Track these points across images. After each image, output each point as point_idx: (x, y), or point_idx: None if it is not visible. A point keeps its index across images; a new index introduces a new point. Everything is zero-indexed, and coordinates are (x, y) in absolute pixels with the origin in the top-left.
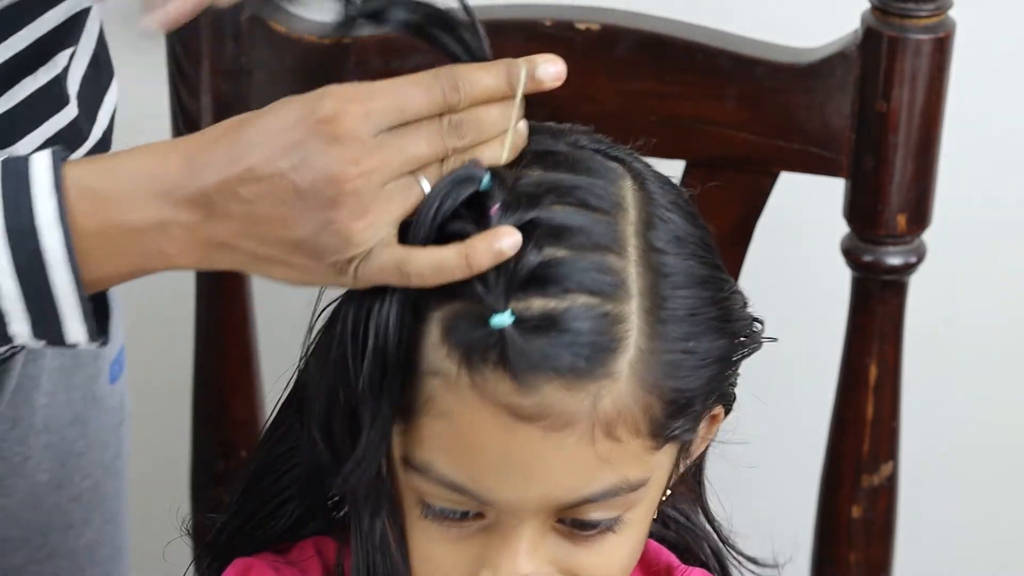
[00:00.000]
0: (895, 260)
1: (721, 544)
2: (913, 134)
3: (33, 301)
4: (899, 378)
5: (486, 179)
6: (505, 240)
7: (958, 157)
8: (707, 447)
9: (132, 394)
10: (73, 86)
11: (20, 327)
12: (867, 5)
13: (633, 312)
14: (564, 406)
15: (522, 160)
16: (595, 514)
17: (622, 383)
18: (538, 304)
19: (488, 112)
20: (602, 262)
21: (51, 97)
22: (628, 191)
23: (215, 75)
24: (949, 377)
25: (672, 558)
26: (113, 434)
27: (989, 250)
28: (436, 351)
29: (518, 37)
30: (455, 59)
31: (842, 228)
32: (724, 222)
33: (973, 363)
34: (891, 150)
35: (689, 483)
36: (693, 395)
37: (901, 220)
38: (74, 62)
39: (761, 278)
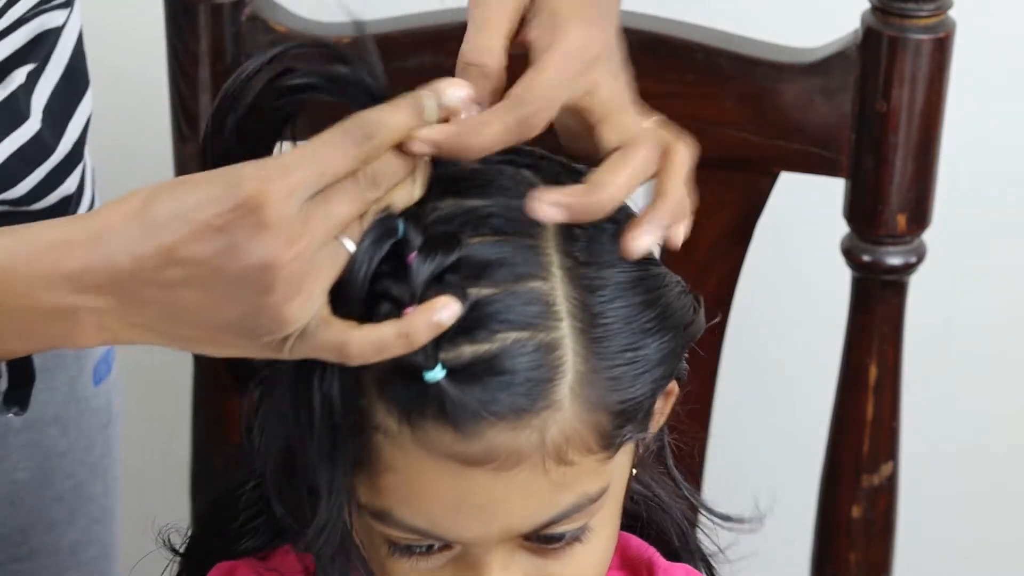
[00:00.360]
0: (895, 260)
1: (684, 518)
2: (913, 134)
3: None
4: (899, 378)
5: (401, 228)
6: (443, 312)
7: (958, 157)
8: (666, 420)
9: (131, 394)
10: (39, 100)
11: None
12: (867, 5)
13: (566, 336)
14: (511, 445)
15: (431, 190)
16: (560, 529)
17: (566, 409)
18: (468, 351)
19: (398, 156)
20: (527, 292)
21: (8, 114)
22: None
23: (215, 75)
24: (949, 377)
25: (654, 554)
26: (99, 434)
27: (989, 250)
28: (376, 408)
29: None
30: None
31: (842, 228)
32: (724, 222)
33: (973, 363)
34: (891, 150)
35: (649, 454)
36: (641, 399)
37: (901, 220)
38: (42, 79)
39: (761, 278)
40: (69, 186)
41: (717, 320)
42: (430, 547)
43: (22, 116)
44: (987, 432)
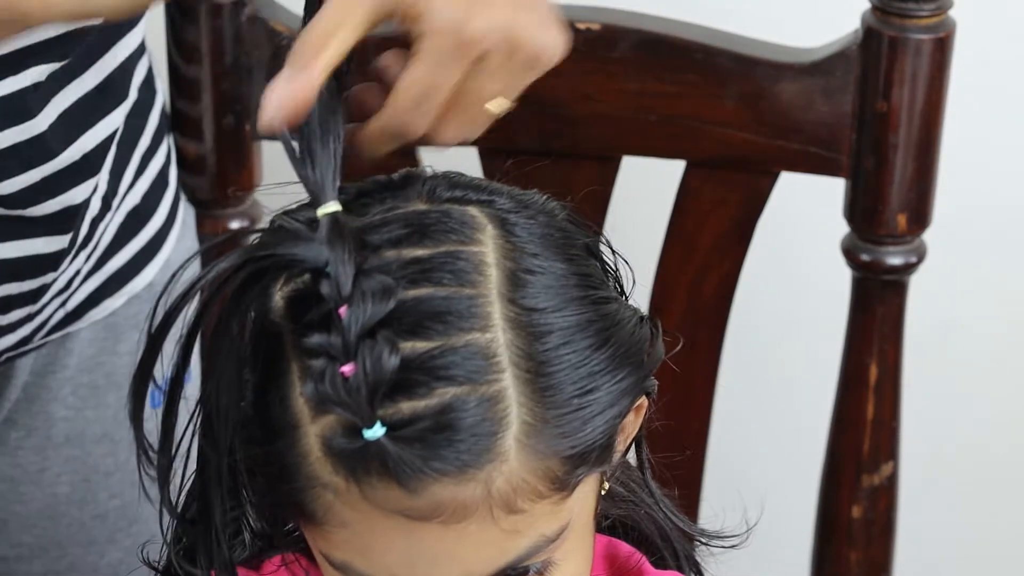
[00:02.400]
0: (895, 260)
1: (664, 517)
2: (913, 134)
3: None
4: (899, 378)
5: (331, 265)
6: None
7: (958, 157)
8: (641, 433)
9: None
10: (61, 103)
11: None
12: (867, 5)
13: (509, 387)
14: (457, 500)
15: (369, 237)
16: (521, 567)
17: (512, 461)
18: (407, 408)
19: None
20: (466, 345)
21: (12, 107)
22: (489, 246)
23: (215, 75)
24: (949, 377)
25: (643, 561)
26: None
27: (989, 250)
28: (321, 466)
29: None
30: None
31: (842, 228)
32: (724, 222)
33: (973, 363)
34: (891, 150)
35: (631, 474)
36: (594, 442)
37: (901, 220)
38: (75, 82)
39: (761, 278)
40: (74, 196)
41: (680, 347)
42: None
43: (28, 113)
44: (987, 432)
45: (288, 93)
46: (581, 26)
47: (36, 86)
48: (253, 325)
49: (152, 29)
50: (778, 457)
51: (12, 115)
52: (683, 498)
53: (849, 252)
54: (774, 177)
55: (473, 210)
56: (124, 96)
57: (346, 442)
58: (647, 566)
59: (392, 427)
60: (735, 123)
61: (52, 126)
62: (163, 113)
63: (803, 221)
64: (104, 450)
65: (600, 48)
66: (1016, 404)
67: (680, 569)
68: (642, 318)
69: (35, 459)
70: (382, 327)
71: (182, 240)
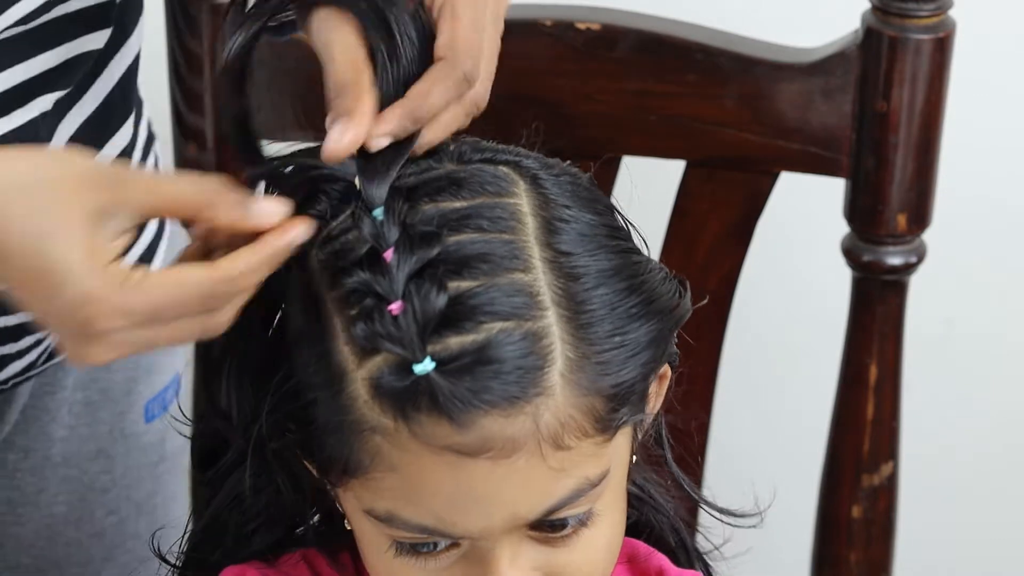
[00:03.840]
0: (895, 260)
1: (680, 518)
2: (913, 134)
3: None
4: (899, 378)
5: (378, 212)
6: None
7: (958, 157)
8: (661, 408)
9: None
10: (67, 129)
11: None
12: (867, 5)
13: (553, 324)
14: (506, 434)
15: (411, 195)
16: (564, 514)
17: (558, 395)
18: (455, 343)
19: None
20: (510, 284)
21: (24, 139)
22: (523, 198)
23: (215, 75)
24: (949, 377)
25: (664, 561)
26: (148, 472)
27: (989, 250)
28: (370, 409)
29: (518, 37)
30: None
31: (842, 228)
32: (724, 222)
33: (973, 363)
34: (891, 150)
35: (650, 448)
36: (633, 382)
37: (901, 220)
38: (76, 107)
39: (761, 278)
40: None
41: (704, 301)
42: (436, 545)
43: (40, 143)
44: (987, 432)
45: (346, 144)
46: (581, 26)
47: (44, 115)
48: (287, 298)
49: (153, 29)
50: (778, 457)
51: (26, 145)
52: (683, 498)
53: (849, 252)
54: (774, 177)
55: (503, 168)
56: (129, 109)
57: (395, 379)
58: (668, 564)
59: (441, 362)
60: (735, 123)
61: None
62: (149, 122)
63: (803, 221)
64: (100, 467)
65: (600, 48)
66: (1016, 404)
67: (693, 568)
68: (668, 274)
69: (33, 480)
70: (428, 268)
71: (171, 251)
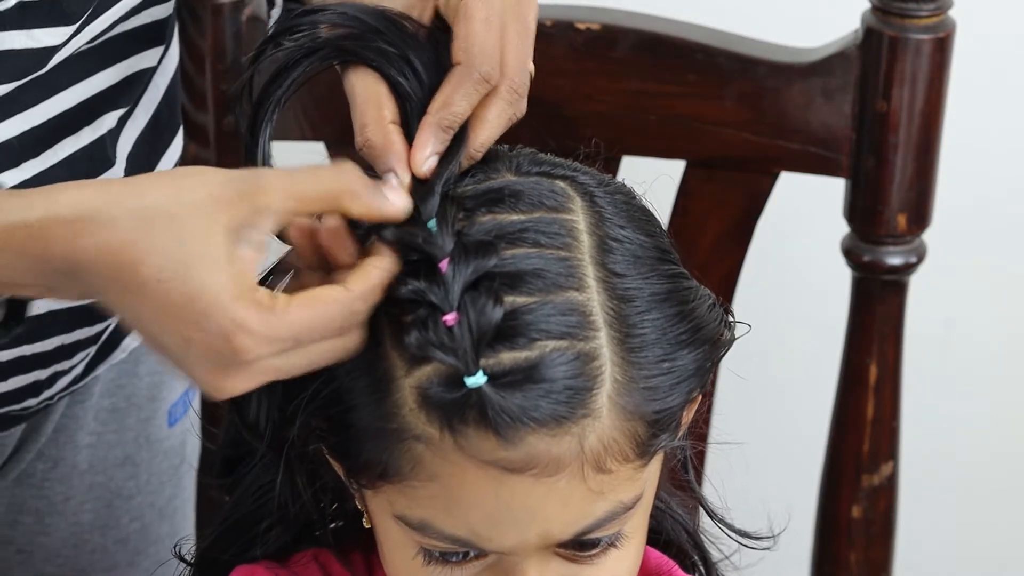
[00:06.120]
0: (895, 260)
1: (697, 532)
2: (913, 134)
3: None
4: (899, 378)
5: (432, 223)
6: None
7: (958, 157)
8: (686, 431)
9: None
10: (125, 147)
11: None
12: (867, 5)
13: (604, 346)
14: (551, 452)
15: (466, 204)
16: (595, 535)
17: (604, 418)
18: (508, 358)
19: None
20: (564, 302)
21: (94, 158)
22: (579, 215)
23: (215, 75)
24: (949, 377)
25: (675, 568)
26: (170, 477)
27: (989, 250)
28: (415, 417)
29: None
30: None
31: (842, 228)
32: (724, 222)
33: (973, 363)
34: (891, 150)
35: (674, 463)
36: (675, 409)
37: (901, 220)
38: (129, 123)
39: (761, 278)
40: None
41: (748, 332)
42: (466, 555)
43: (108, 162)
44: (987, 432)
45: (403, 204)
46: (581, 26)
47: (110, 132)
48: None
49: None
50: (778, 457)
51: (96, 166)
52: (694, 508)
53: (849, 252)
54: (774, 177)
55: (560, 183)
56: (177, 123)
57: (445, 391)
58: (679, 572)
59: (493, 376)
60: (735, 123)
61: (127, 171)
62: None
63: (803, 221)
64: (126, 473)
65: (600, 48)
66: (1016, 404)
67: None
68: (715, 302)
69: (61, 489)
70: (484, 280)
71: None
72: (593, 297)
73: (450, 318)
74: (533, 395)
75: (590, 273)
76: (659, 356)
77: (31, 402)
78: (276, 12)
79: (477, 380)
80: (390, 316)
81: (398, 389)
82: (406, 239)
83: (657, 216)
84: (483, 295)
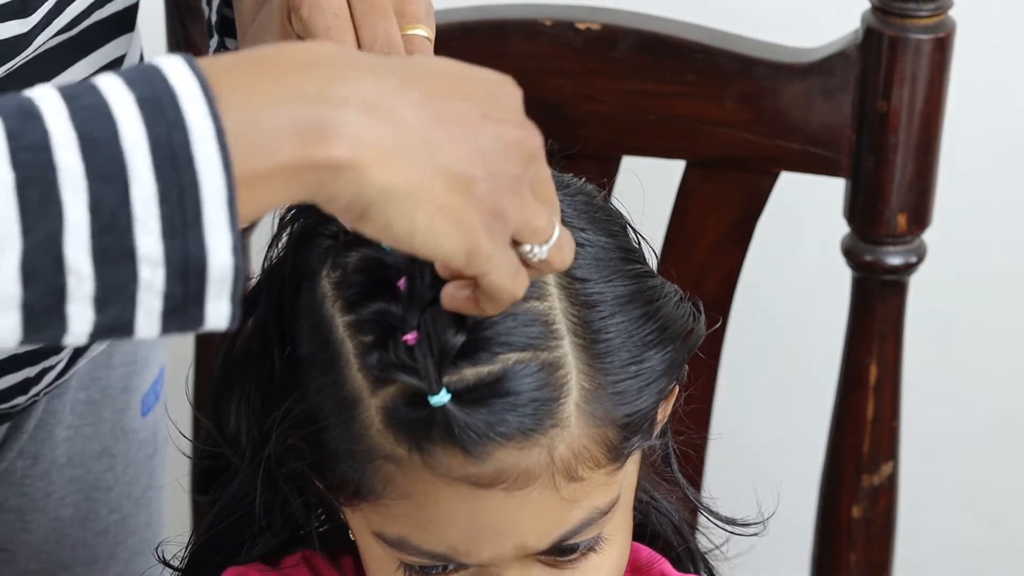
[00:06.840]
0: (895, 260)
1: (683, 520)
2: (913, 134)
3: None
4: (899, 378)
5: (388, 248)
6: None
7: (958, 157)
8: (669, 424)
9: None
10: None
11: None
12: (867, 5)
13: (568, 354)
14: (520, 466)
15: None
16: (573, 542)
17: (573, 427)
18: (471, 374)
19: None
20: (525, 313)
21: None
22: None
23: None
24: (949, 377)
25: (664, 564)
26: (144, 466)
27: (989, 250)
28: (383, 437)
29: (518, 37)
30: None
31: (842, 228)
32: (724, 222)
33: (973, 363)
34: (891, 150)
35: (654, 458)
36: (647, 410)
37: (901, 220)
38: None
39: (761, 278)
40: None
41: (718, 325)
42: (445, 567)
43: None
44: (987, 432)
45: None
46: (581, 26)
47: None
48: (298, 321)
49: (153, 30)
50: (778, 457)
51: None
52: (683, 499)
53: (849, 252)
54: (774, 177)
55: None
56: None
57: (410, 411)
58: (670, 569)
59: (457, 394)
60: (735, 123)
61: None
62: None
63: (803, 221)
64: (103, 465)
65: (600, 48)
66: (1016, 403)
67: (696, 571)
68: (682, 296)
69: (41, 485)
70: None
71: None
72: (555, 305)
73: (410, 337)
74: (499, 409)
75: (551, 280)
76: (626, 360)
77: (20, 400)
78: (213, 43)
79: (441, 398)
80: (353, 336)
81: (365, 410)
82: (366, 259)
83: (624, 212)
84: (443, 312)
